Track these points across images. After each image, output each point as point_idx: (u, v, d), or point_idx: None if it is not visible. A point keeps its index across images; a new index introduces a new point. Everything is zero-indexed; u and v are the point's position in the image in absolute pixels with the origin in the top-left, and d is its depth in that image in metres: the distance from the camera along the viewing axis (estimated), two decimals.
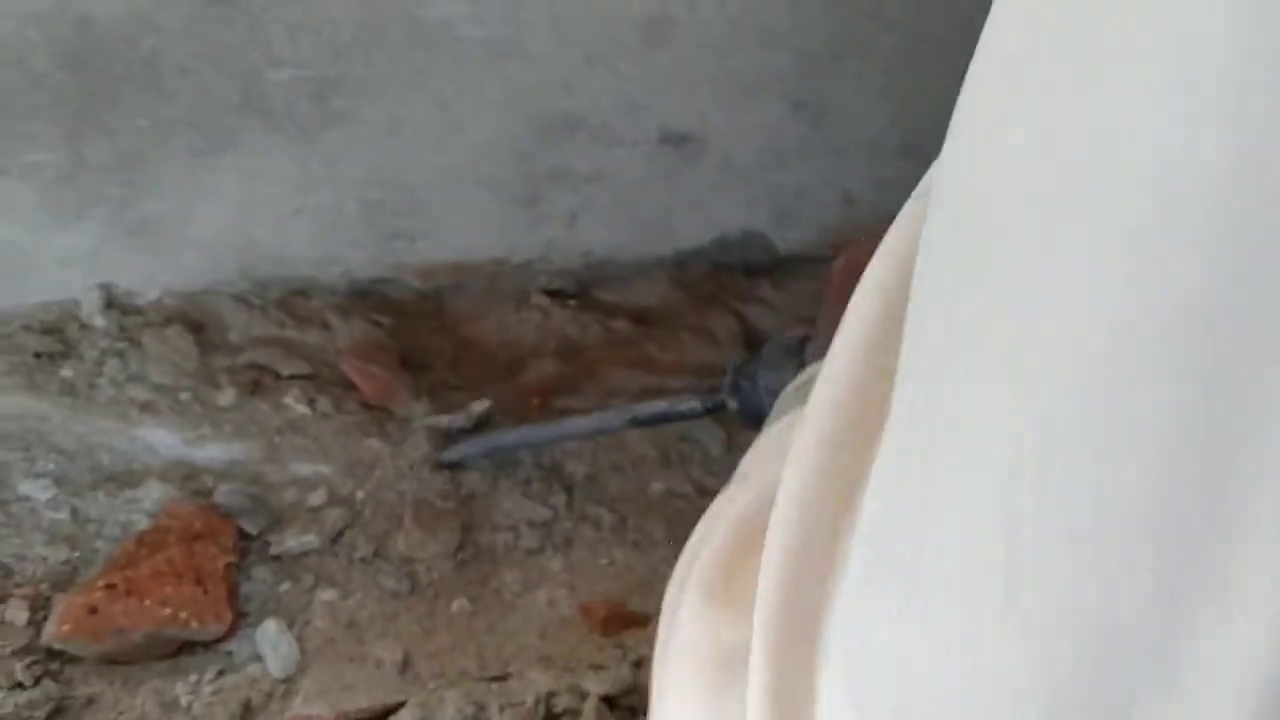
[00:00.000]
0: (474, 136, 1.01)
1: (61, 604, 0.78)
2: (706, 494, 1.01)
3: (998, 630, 0.25)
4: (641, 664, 0.81)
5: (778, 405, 0.70)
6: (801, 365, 0.82)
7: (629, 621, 0.87)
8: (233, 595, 0.82)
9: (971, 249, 0.25)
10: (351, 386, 0.99)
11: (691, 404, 0.91)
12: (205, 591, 0.80)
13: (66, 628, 0.76)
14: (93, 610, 0.77)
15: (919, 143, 1.15)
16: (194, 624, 0.79)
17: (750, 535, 0.38)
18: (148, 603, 0.78)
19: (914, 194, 0.34)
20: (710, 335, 1.15)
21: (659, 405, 0.93)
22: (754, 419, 0.86)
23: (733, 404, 0.87)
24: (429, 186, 1.04)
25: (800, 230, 1.20)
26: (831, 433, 0.31)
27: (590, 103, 1.02)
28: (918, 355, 0.27)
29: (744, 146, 1.10)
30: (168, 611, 0.78)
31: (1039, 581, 0.24)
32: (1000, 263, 0.24)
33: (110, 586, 0.78)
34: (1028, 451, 0.24)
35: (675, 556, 0.94)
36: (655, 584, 0.92)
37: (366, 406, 0.99)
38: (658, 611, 0.88)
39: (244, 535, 0.87)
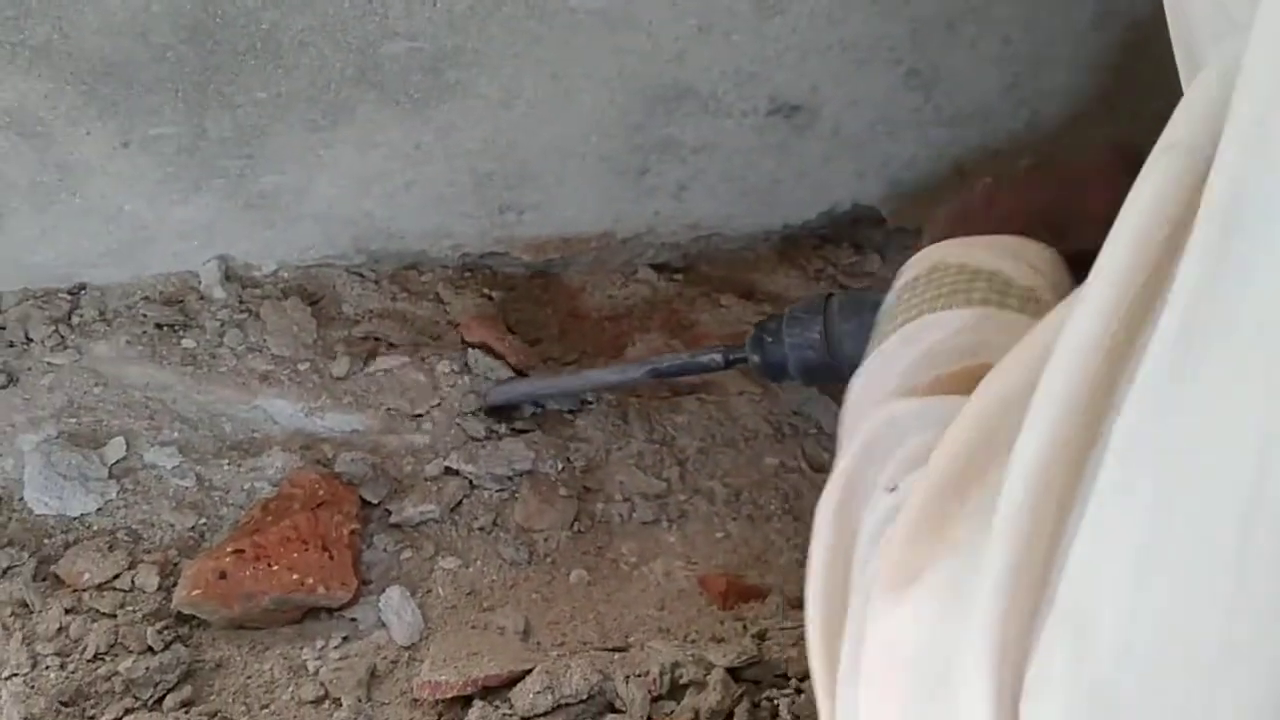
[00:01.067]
0: (585, 108, 1.00)
1: (190, 568, 0.79)
2: (819, 469, 0.99)
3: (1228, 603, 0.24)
4: (764, 636, 0.80)
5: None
6: (825, 323, 0.81)
7: (748, 594, 0.86)
8: (357, 562, 0.83)
9: None
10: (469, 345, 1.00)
11: (713, 355, 0.91)
12: (331, 558, 0.81)
13: (196, 592, 0.77)
14: (222, 575, 0.78)
15: (1034, 112, 1.12)
16: (320, 590, 0.80)
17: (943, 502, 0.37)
18: (275, 568, 0.79)
19: (1161, 146, 0.32)
20: None
21: (680, 357, 0.94)
22: (775, 374, 0.86)
23: (755, 358, 0.86)
24: (539, 159, 1.03)
25: (911, 203, 1.18)
26: (1081, 380, 0.29)
27: (701, 73, 1.01)
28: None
29: (855, 117, 1.08)
30: (295, 577, 0.79)
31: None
32: None
33: (239, 552, 0.79)
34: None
35: (790, 530, 0.93)
36: (770, 557, 0.91)
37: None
38: (777, 585, 0.87)
39: (365, 503, 0.87)
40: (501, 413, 0.97)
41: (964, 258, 0.56)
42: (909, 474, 0.40)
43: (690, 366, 0.92)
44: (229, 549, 0.79)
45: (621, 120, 1.02)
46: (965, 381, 0.45)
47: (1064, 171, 0.67)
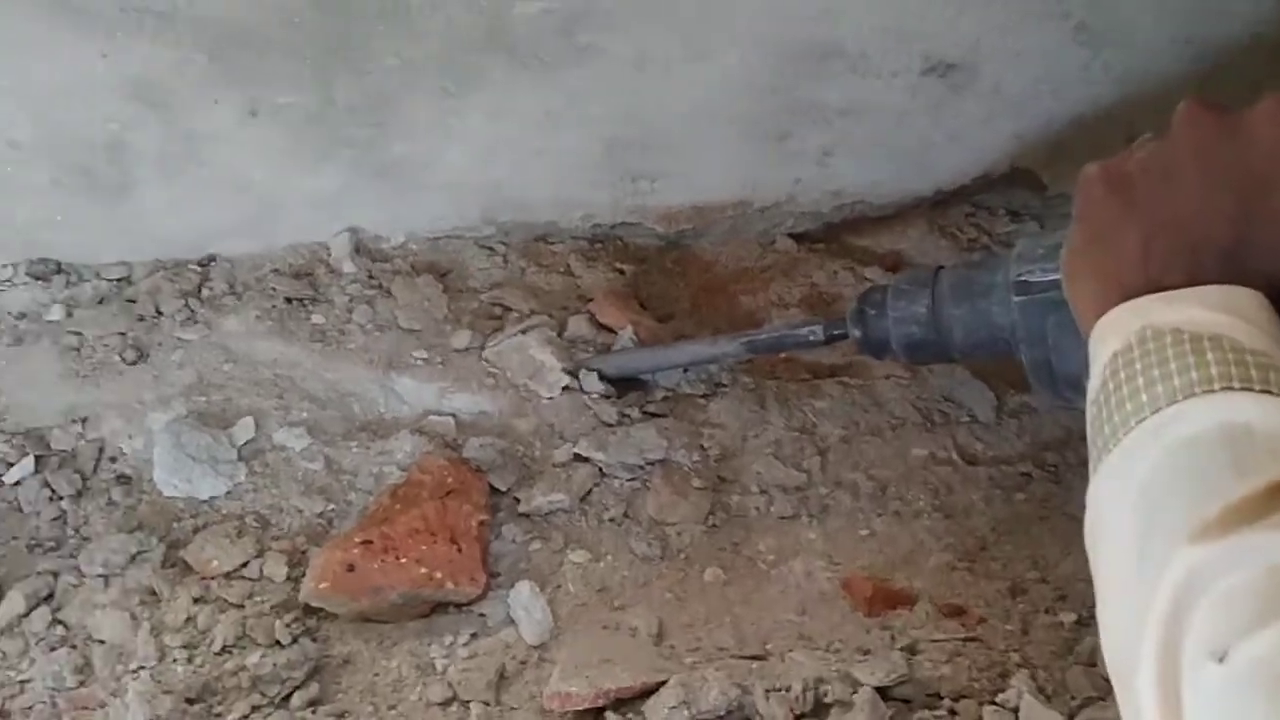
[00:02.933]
0: (722, 70, 0.94)
1: (319, 559, 0.77)
2: (972, 461, 0.93)
3: None
4: (914, 650, 0.75)
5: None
6: (934, 301, 0.75)
7: (895, 600, 0.81)
8: (485, 555, 0.80)
9: None
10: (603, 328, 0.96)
11: (812, 329, 0.84)
12: (460, 551, 0.78)
13: (325, 585, 0.75)
14: (350, 567, 0.76)
15: (1211, 69, 1.01)
16: (449, 585, 0.77)
17: None
18: (404, 561, 0.77)
19: None
20: None
21: (777, 329, 0.89)
22: (878, 350, 0.80)
23: (856, 333, 0.80)
24: (674, 124, 0.98)
25: (1075, 167, 1.08)
26: None
27: (849, 30, 0.94)
28: None
29: (1017, 75, 0.99)
30: (423, 571, 0.77)
31: None
32: None
33: (367, 543, 0.77)
34: None
35: (940, 529, 0.87)
36: (919, 558, 0.85)
37: None
38: (925, 590, 0.81)
39: (493, 491, 0.84)
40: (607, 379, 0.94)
41: (1172, 317, 0.47)
42: (1236, 638, 0.35)
43: (787, 340, 0.88)
44: (357, 539, 0.77)
45: (761, 82, 0.96)
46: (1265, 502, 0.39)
47: (1245, 143, 0.55)
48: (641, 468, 0.88)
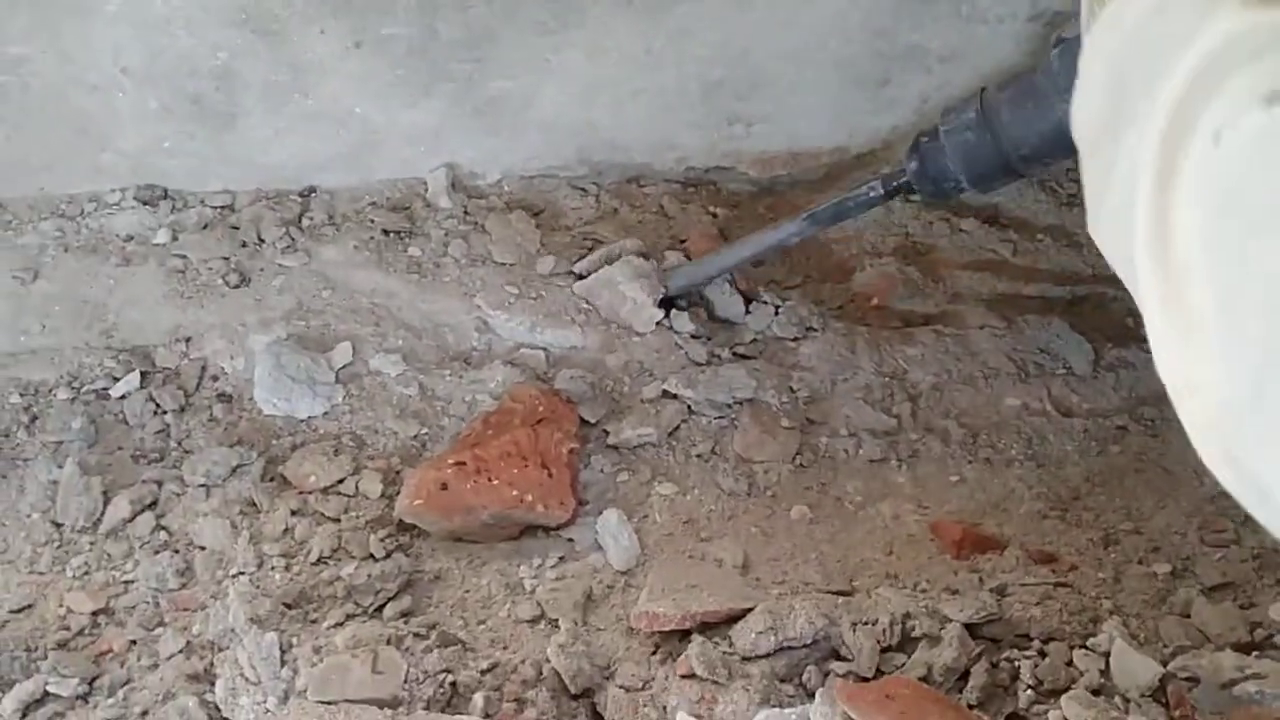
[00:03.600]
0: (826, 10, 0.93)
1: (414, 478, 0.78)
2: (1067, 413, 0.91)
3: None
4: (1004, 592, 0.74)
5: None
6: (981, 101, 0.74)
7: (985, 545, 0.80)
8: (575, 481, 0.81)
9: None
10: None
11: (871, 185, 0.84)
12: (550, 475, 0.79)
13: (419, 502, 0.76)
14: (444, 486, 0.77)
15: None
16: (539, 508, 0.78)
17: None
18: (495, 483, 0.77)
19: None
20: (1071, 238, 1.03)
21: (836, 198, 0.88)
22: (936, 176, 0.79)
23: (913, 165, 0.80)
24: (773, 66, 0.97)
25: None
26: None
27: None
28: None
29: None
30: (514, 493, 0.77)
31: None
32: None
33: (460, 464, 0.78)
34: None
35: (1033, 478, 0.86)
36: (1010, 505, 0.84)
37: None
38: (1016, 536, 0.80)
39: (583, 422, 0.85)
40: (676, 301, 0.94)
41: None
42: None
43: (848, 203, 0.87)
44: (450, 460, 0.78)
45: (864, 25, 0.95)
46: None
47: None
48: (730, 406, 0.88)
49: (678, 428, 0.87)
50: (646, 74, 0.95)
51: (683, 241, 0.98)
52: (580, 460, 0.83)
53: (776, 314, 0.95)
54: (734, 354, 0.92)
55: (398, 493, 0.79)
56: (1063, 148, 0.64)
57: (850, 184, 0.90)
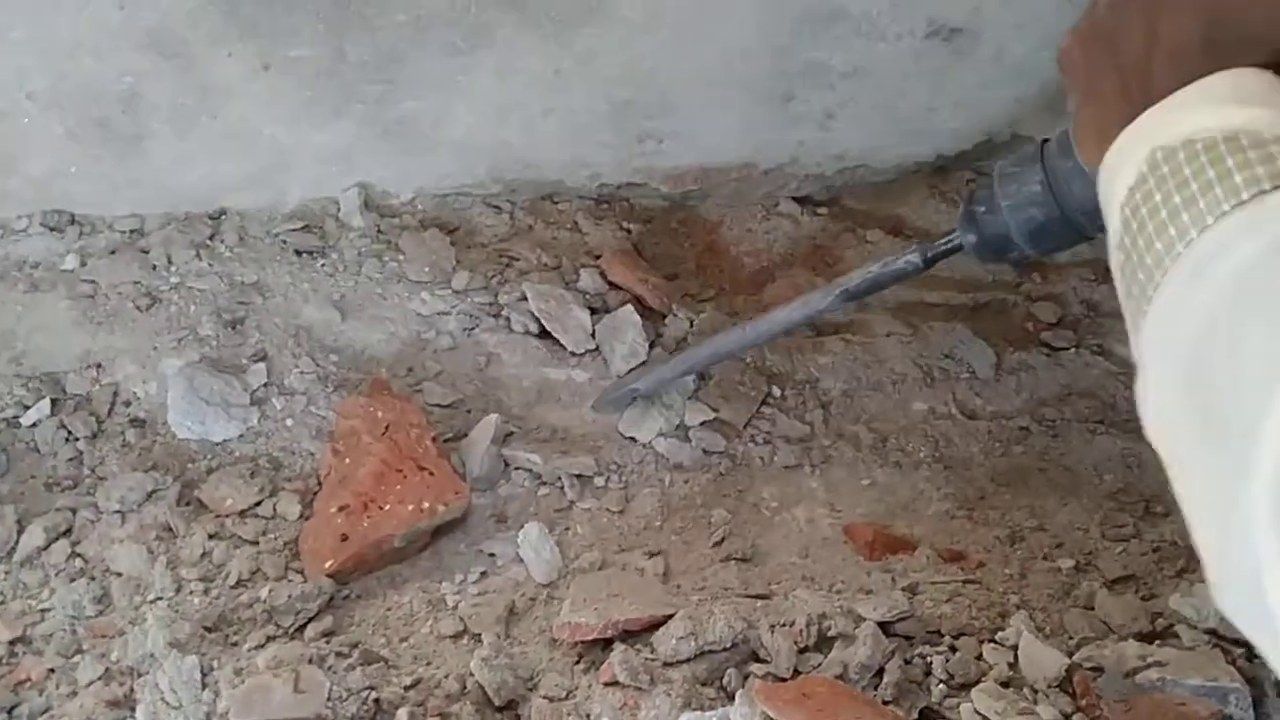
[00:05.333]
0: (730, 31, 0.96)
1: (308, 542, 0.77)
2: (971, 415, 0.94)
3: None
4: (915, 590, 0.76)
5: None
6: (1045, 169, 0.66)
7: (896, 545, 0.82)
8: (452, 465, 0.82)
9: None
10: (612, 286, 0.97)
11: (909, 258, 0.78)
12: (431, 474, 0.79)
13: (331, 564, 0.75)
14: (344, 538, 0.76)
15: (1222, 38, 1.03)
16: (440, 508, 0.78)
17: None
18: (388, 508, 0.77)
19: None
20: None
21: (869, 270, 0.80)
22: (1000, 249, 0.71)
23: (970, 238, 0.72)
24: (680, 85, 0.99)
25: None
26: None
27: None
28: None
29: (1021, 39, 1.01)
30: (411, 508, 0.78)
31: None
32: None
33: (344, 508, 0.77)
34: None
35: (940, 479, 0.88)
36: (919, 507, 0.87)
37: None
38: (926, 536, 0.83)
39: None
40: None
41: (1181, 129, 0.41)
42: None
43: (885, 277, 0.80)
44: (334, 508, 0.78)
45: (767, 44, 0.98)
46: None
47: None
48: None
49: None
50: (556, 94, 0.96)
51: (597, 258, 0.99)
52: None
53: (692, 326, 0.97)
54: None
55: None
56: None
57: (880, 257, 0.83)
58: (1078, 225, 0.66)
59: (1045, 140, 0.67)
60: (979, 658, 0.72)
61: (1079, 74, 0.51)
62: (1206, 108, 0.41)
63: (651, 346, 0.95)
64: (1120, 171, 0.43)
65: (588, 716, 0.67)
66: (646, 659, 0.69)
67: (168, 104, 0.90)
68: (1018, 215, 0.68)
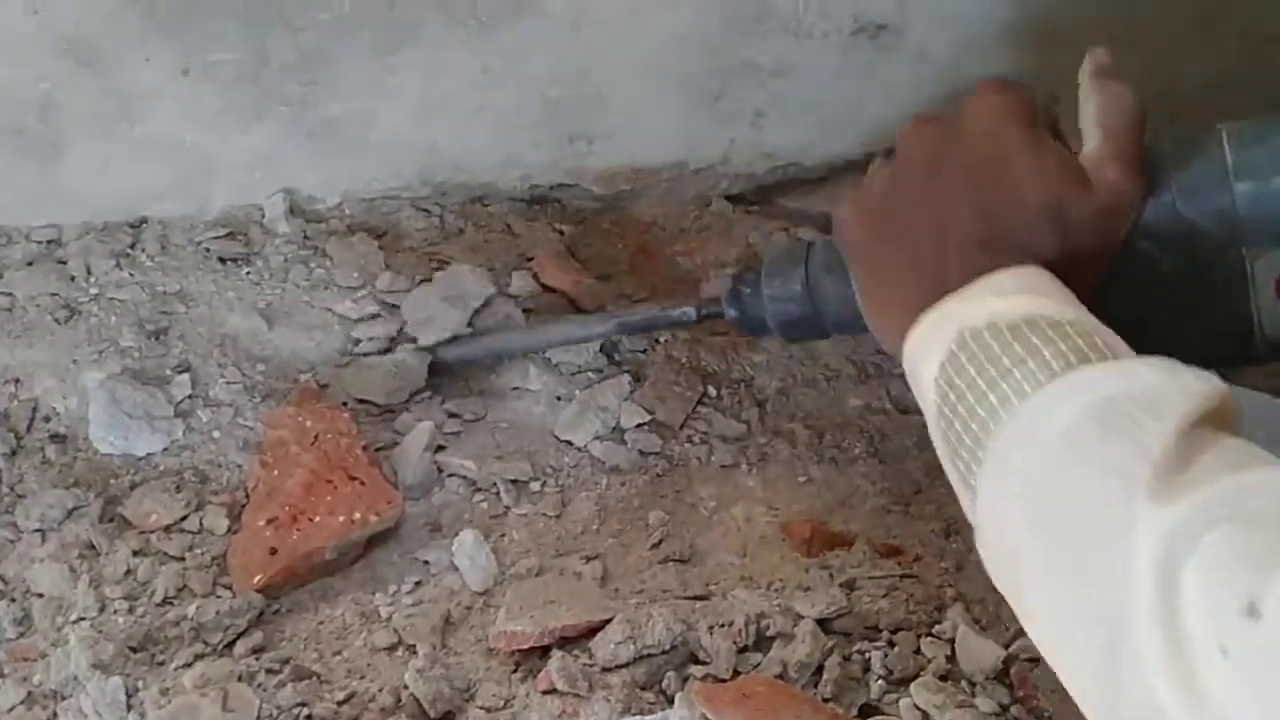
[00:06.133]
0: (659, 29, 0.95)
1: (236, 557, 0.76)
2: (905, 410, 0.95)
3: None
4: (853, 586, 0.77)
5: None
6: (807, 274, 0.73)
7: (833, 541, 0.82)
8: (384, 473, 0.81)
9: None
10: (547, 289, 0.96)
11: (685, 309, 0.84)
12: (363, 483, 0.78)
13: (259, 579, 0.74)
14: (273, 551, 0.74)
15: (1138, 33, 1.04)
16: (372, 518, 0.77)
17: None
18: (318, 519, 0.76)
19: None
20: None
21: (651, 310, 0.87)
22: (755, 330, 0.79)
23: (732, 312, 0.79)
24: (610, 84, 0.98)
25: None
26: None
27: None
28: None
29: (944, 36, 1.01)
30: (341, 519, 0.76)
31: None
32: None
33: (273, 520, 0.76)
34: None
35: (875, 474, 0.89)
36: (855, 502, 0.87)
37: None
38: (863, 531, 0.83)
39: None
40: (451, 370, 0.92)
41: (979, 313, 0.47)
42: (1260, 588, 0.33)
43: (659, 320, 0.87)
44: (262, 521, 0.76)
45: (696, 42, 0.97)
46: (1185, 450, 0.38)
47: (966, 140, 0.55)
48: None
49: None
50: (485, 93, 0.95)
51: (529, 260, 0.99)
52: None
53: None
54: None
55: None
56: None
57: (663, 303, 0.90)
58: (829, 329, 0.75)
59: (811, 243, 0.75)
60: (917, 652, 0.73)
61: (863, 253, 0.60)
62: (995, 298, 0.48)
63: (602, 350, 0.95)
64: (930, 351, 0.49)
65: None
66: (585, 665, 0.69)
67: (85, 111, 0.88)
68: (776, 307, 0.75)
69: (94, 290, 0.89)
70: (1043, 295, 0.48)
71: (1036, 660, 0.71)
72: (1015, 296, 0.48)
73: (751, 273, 0.78)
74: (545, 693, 0.68)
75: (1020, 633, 0.74)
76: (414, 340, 0.89)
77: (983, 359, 0.46)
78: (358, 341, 0.89)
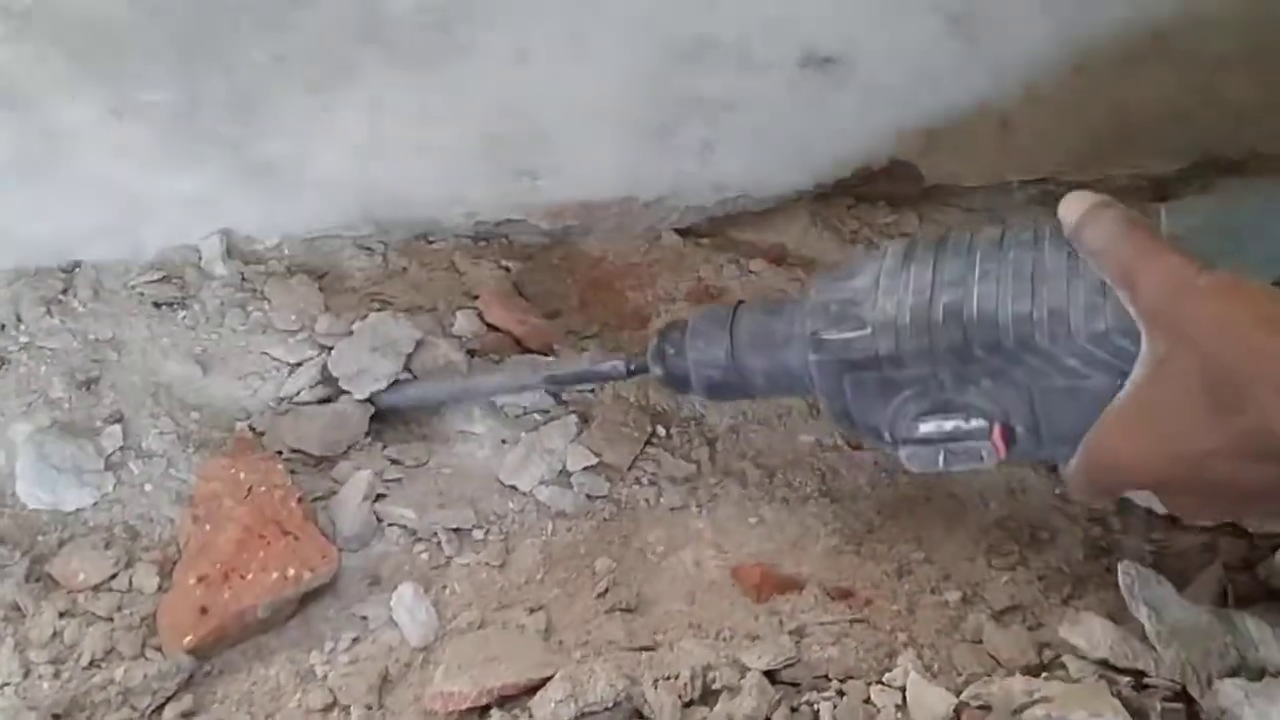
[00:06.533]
0: (602, 64, 0.94)
1: (165, 617, 0.73)
2: (857, 446, 0.93)
3: None
4: (803, 633, 0.75)
5: None
6: (731, 336, 0.73)
7: (784, 585, 0.81)
8: (319, 528, 0.79)
9: None
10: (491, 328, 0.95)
11: (615, 364, 0.83)
12: (296, 539, 0.76)
13: (190, 640, 0.71)
14: (204, 610, 0.72)
15: (1084, 54, 1.04)
16: (305, 574, 0.75)
17: None
18: (250, 577, 0.74)
19: None
20: None
21: (579, 364, 0.87)
22: (680, 387, 0.78)
23: (657, 371, 0.78)
24: (555, 119, 0.97)
25: (951, 158, 1.11)
26: None
27: (727, 21, 0.94)
28: None
29: (893, 68, 1.01)
30: (275, 576, 0.74)
31: None
32: None
33: (203, 578, 0.74)
34: None
35: (827, 514, 0.87)
36: (806, 543, 0.86)
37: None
38: (813, 574, 0.81)
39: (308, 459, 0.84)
40: (397, 412, 0.90)
41: None
42: None
43: (589, 375, 0.86)
44: (193, 579, 0.74)
45: (642, 75, 0.96)
46: None
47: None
48: None
49: None
50: (426, 130, 0.94)
51: (475, 298, 0.97)
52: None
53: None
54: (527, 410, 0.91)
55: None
56: (800, 389, 0.72)
57: (594, 358, 0.89)
58: (755, 394, 0.75)
59: (740, 304, 0.75)
60: (867, 701, 0.71)
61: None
62: None
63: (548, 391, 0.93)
64: None
65: None
66: None
67: (12, 154, 0.86)
68: (700, 370, 0.75)
69: (23, 339, 0.87)
70: None
71: (988, 707, 0.70)
72: None
73: (677, 331, 0.77)
74: None
75: (971, 678, 0.73)
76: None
77: None
78: (297, 391, 0.87)
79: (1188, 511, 0.68)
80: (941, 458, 0.64)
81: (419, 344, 0.90)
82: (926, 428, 0.64)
